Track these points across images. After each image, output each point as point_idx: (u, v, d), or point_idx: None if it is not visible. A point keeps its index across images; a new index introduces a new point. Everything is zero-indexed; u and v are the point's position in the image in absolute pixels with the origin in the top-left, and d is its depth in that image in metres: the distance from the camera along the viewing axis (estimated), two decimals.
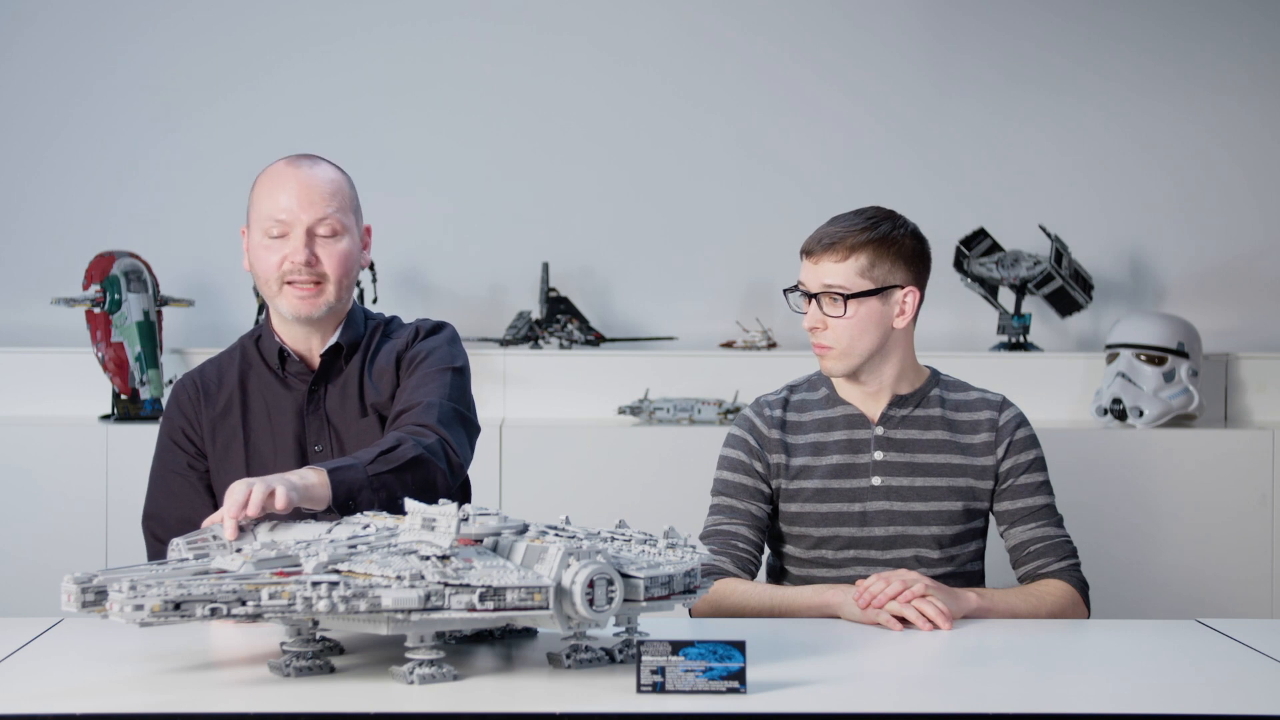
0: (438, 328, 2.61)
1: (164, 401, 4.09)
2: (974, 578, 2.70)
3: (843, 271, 2.61)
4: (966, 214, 4.41)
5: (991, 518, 2.72)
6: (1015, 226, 4.41)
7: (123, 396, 4.04)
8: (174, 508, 2.50)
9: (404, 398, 2.49)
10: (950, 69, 4.53)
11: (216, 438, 2.53)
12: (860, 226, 2.62)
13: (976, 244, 4.36)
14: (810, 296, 2.63)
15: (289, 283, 2.47)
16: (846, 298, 2.60)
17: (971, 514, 2.66)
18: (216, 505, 2.48)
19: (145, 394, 4.05)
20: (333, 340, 2.54)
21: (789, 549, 2.70)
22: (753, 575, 2.64)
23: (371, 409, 2.52)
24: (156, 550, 2.48)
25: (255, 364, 2.56)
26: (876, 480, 2.64)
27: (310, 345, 2.54)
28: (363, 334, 2.57)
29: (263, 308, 4.20)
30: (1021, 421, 2.70)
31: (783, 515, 2.68)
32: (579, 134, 4.51)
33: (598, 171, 4.51)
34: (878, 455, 2.65)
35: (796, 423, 2.69)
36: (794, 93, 4.52)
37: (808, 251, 2.65)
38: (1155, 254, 4.54)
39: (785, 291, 2.69)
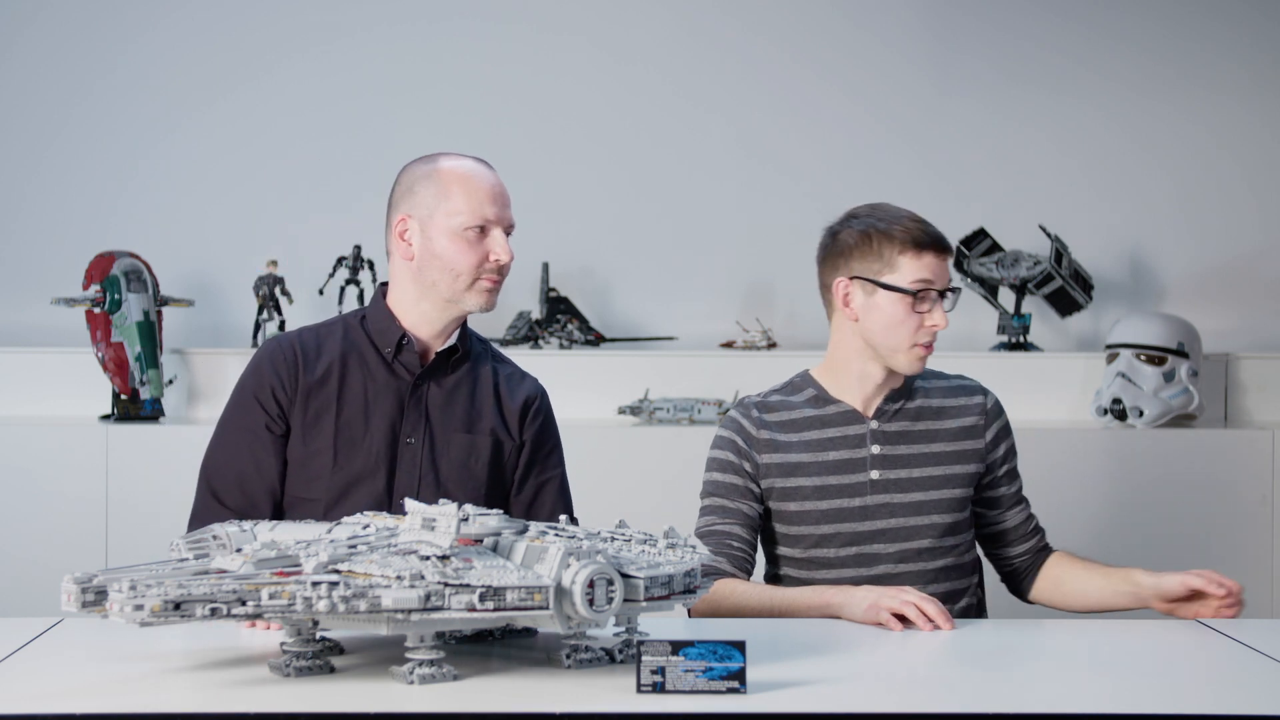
0: (545, 392, 2.70)
1: (164, 401, 4.09)
2: (972, 566, 2.70)
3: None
4: (966, 214, 4.41)
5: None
6: (1015, 226, 4.41)
7: (123, 396, 4.04)
8: (236, 463, 2.51)
9: (553, 492, 2.64)
10: (950, 69, 4.53)
11: (309, 406, 2.53)
12: None
13: (976, 244, 4.36)
14: (942, 294, 2.60)
15: (482, 278, 2.54)
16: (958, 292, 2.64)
17: (966, 501, 2.68)
18: (284, 471, 2.52)
19: (145, 394, 4.05)
20: (451, 341, 2.59)
21: (784, 550, 2.69)
22: (749, 574, 2.64)
23: (480, 431, 2.58)
24: (205, 504, 2.50)
25: (360, 343, 2.58)
26: (875, 474, 2.64)
27: (433, 341, 2.59)
28: (471, 346, 2.64)
29: (262, 308, 4.21)
30: (1002, 406, 2.75)
31: (779, 515, 2.67)
32: (579, 134, 4.51)
33: (598, 171, 4.51)
34: (874, 449, 2.65)
35: (786, 421, 2.68)
36: (794, 93, 4.52)
37: (940, 247, 2.60)
38: (1155, 254, 4.54)
39: (927, 293, 2.59)
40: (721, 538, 2.63)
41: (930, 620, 2.32)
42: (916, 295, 2.57)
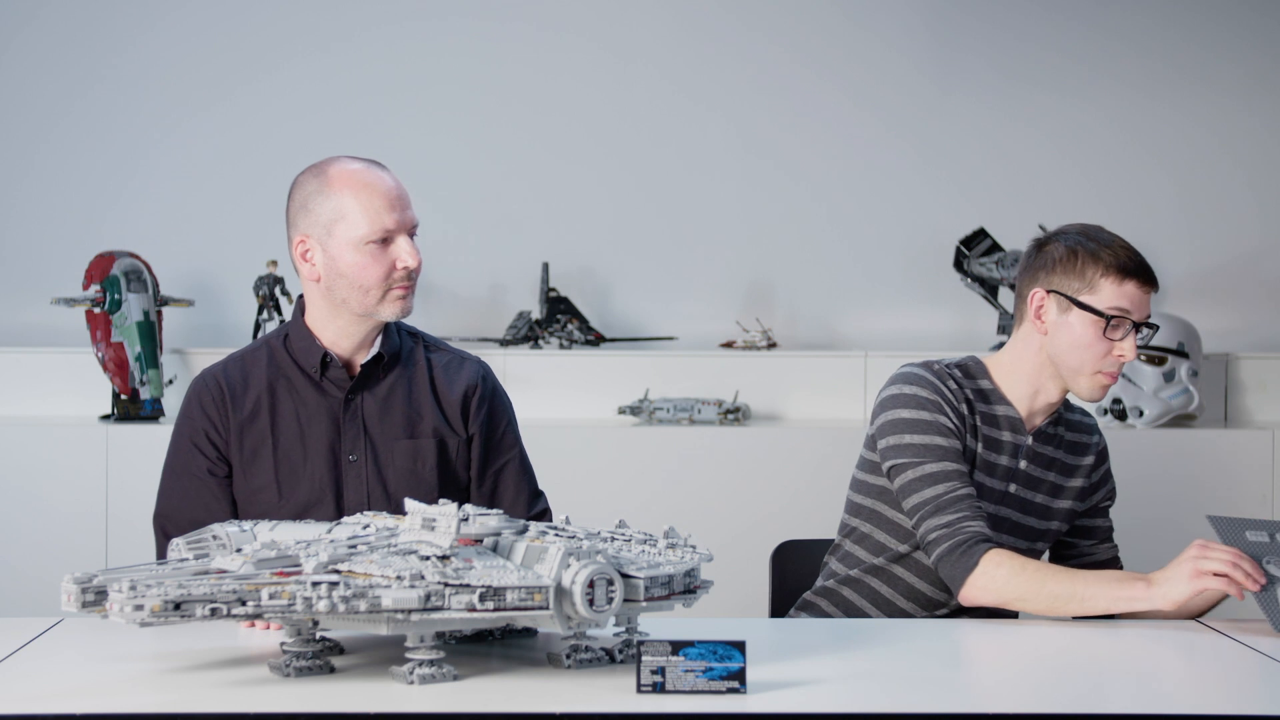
0: (489, 372, 2.62)
1: (164, 401, 4.09)
2: None
3: None
4: (967, 213, 4.41)
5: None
6: (1015, 226, 4.41)
7: (123, 396, 4.04)
8: (187, 510, 2.46)
9: (513, 474, 2.58)
10: (951, 68, 4.53)
11: (244, 443, 2.48)
12: None
13: (976, 244, 4.35)
14: (1137, 326, 2.53)
15: (393, 287, 2.47)
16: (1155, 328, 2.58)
17: (1058, 535, 2.66)
18: (236, 511, 2.48)
19: (145, 394, 4.05)
20: (375, 350, 2.52)
21: (886, 539, 2.58)
22: None
23: (422, 433, 2.52)
24: (166, 548, 2.46)
25: (285, 366, 2.51)
26: (1012, 488, 2.59)
27: (356, 353, 2.52)
28: (398, 345, 2.56)
29: (262, 308, 4.21)
30: (1107, 448, 2.72)
31: None
32: (579, 133, 4.51)
33: (598, 171, 4.51)
34: (1022, 464, 2.59)
35: (973, 404, 2.58)
36: (794, 92, 4.52)
37: (1145, 279, 2.54)
38: (1155, 254, 4.51)
39: (1121, 321, 2.51)
40: (975, 502, 2.47)
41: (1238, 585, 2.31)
42: (1110, 321, 2.50)
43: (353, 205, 2.43)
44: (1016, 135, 4.53)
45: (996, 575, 2.39)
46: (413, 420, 2.52)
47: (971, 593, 2.41)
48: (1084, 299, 2.52)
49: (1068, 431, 2.66)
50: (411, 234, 2.47)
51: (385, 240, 2.44)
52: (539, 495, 2.62)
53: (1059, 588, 2.37)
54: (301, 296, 2.55)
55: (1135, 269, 2.53)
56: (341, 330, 2.50)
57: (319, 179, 2.47)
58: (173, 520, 2.47)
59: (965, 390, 2.57)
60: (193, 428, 2.51)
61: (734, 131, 4.52)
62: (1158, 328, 2.59)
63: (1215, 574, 2.30)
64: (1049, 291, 2.55)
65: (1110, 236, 2.57)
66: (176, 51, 4.46)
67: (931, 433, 2.51)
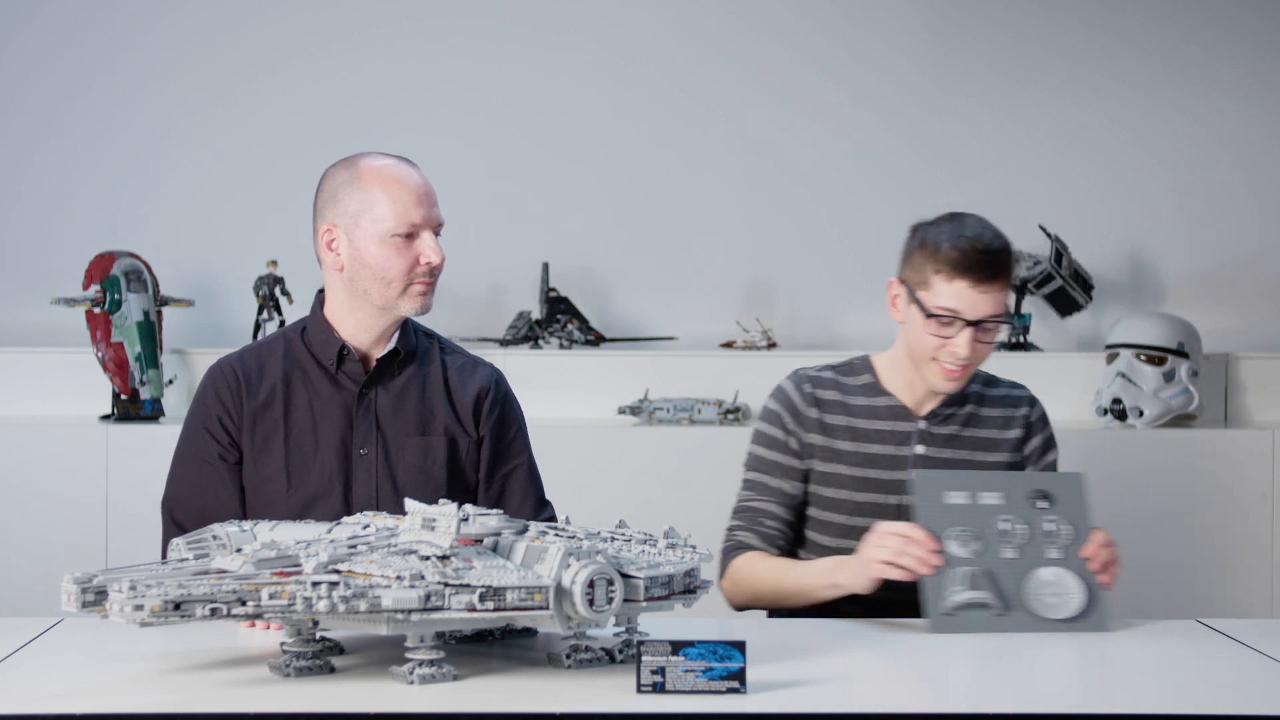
0: (503, 378, 2.65)
1: (164, 401, 4.09)
2: None
3: (1003, 299, 2.54)
4: None
5: None
6: (1015, 226, 4.37)
7: (123, 396, 4.04)
8: (196, 496, 2.48)
9: (521, 480, 2.61)
10: (951, 68, 4.53)
11: (256, 431, 2.50)
12: (1003, 246, 2.55)
13: None
14: (971, 324, 2.51)
15: (415, 282, 2.49)
16: (1004, 323, 2.56)
17: None
18: (244, 500, 2.49)
19: (145, 394, 4.05)
20: (391, 345, 2.54)
21: (813, 535, 2.65)
22: (781, 551, 2.60)
23: (433, 431, 2.54)
24: (173, 535, 2.46)
25: (302, 358, 2.53)
26: (914, 474, 2.61)
27: (374, 348, 2.54)
28: (414, 343, 2.58)
29: (262, 308, 4.21)
30: (1046, 417, 2.72)
31: (814, 499, 2.63)
32: (579, 133, 4.51)
33: (598, 171, 4.51)
34: (919, 449, 2.62)
35: (838, 403, 2.63)
36: (794, 92, 4.52)
37: (978, 278, 2.51)
38: (1155, 254, 4.54)
39: (951, 320, 2.51)
40: (756, 514, 2.60)
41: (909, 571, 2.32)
42: (933, 317, 2.51)
43: (381, 198, 2.47)
44: (1016, 135, 4.53)
45: (736, 579, 2.57)
46: (425, 418, 2.54)
47: (724, 594, 2.59)
48: (918, 294, 2.55)
49: (982, 407, 2.67)
50: (437, 231, 2.50)
51: (410, 235, 2.47)
52: (545, 503, 2.63)
53: (784, 584, 2.50)
54: (322, 290, 2.57)
55: (966, 269, 2.50)
56: (361, 323, 2.52)
57: (349, 171, 2.51)
58: (181, 505, 2.49)
59: (819, 393, 2.64)
60: (205, 413, 2.53)
61: (734, 131, 4.52)
62: (1010, 324, 2.58)
63: (885, 562, 2.32)
64: (900, 280, 2.59)
65: (957, 231, 2.55)
66: (176, 51, 4.46)
67: (761, 444, 2.66)
